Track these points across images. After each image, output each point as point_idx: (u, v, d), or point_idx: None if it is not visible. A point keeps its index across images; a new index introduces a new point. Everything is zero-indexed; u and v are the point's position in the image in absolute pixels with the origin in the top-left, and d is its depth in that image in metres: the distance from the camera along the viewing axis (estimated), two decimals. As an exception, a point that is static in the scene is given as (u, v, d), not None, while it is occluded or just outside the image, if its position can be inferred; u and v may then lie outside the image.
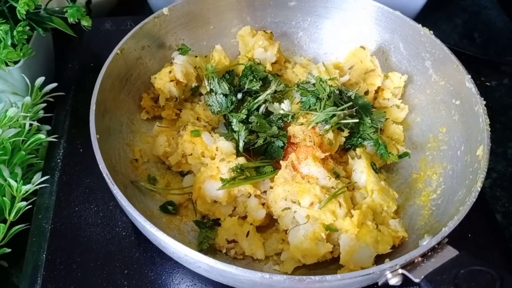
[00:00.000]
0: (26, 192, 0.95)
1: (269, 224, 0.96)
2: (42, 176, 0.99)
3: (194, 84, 1.10)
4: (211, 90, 1.06)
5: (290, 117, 1.00)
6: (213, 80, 1.06)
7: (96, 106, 0.92)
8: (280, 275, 0.71)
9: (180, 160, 1.00)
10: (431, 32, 1.09)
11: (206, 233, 0.91)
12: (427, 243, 0.76)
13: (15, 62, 1.02)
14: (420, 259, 0.76)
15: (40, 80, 1.07)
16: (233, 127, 1.01)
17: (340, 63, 1.20)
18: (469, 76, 1.00)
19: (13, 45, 1.00)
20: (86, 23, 1.06)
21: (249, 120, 1.01)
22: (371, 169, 0.96)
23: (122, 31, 1.22)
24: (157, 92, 1.08)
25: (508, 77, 1.33)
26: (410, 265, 0.75)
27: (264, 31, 1.16)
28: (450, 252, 0.76)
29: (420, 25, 1.10)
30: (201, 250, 0.88)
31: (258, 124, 0.99)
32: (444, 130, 1.04)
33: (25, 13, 0.96)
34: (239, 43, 1.19)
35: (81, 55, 1.21)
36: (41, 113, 1.08)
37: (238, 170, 0.91)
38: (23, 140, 1.01)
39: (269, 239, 0.94)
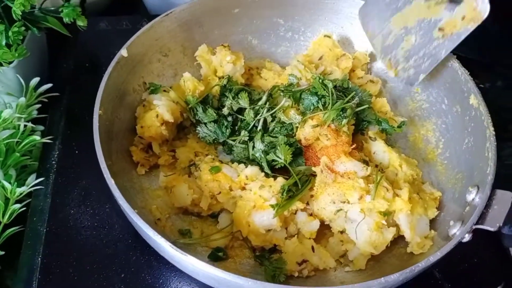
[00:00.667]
0: (20, 194, 0.94)
1: (318, 231, 0.93)
2: (36, 178, 0.98)
3: (180, 120, 1.04)
4: (198, 121, 1.03)
5: (298, 123, 0.99)
6: (198, 110, 1.02)
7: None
8: (393, 274, 0.74)
9: (210, 202, 0.95)
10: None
11: (273, 265, 0.88)
12: (483, 194, 0.82)
13: (9, 63, 1.01)
14: (484, 210, 0.81)
15: (35, 80, 1.06)
16: (247, 151, 0.99)
17: (308, 55, 1.18)
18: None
19: (8, 45, 0.98)
20: (81, 23, 1.05)
21: (254, 138, 0.99)
22: (388, 146, 1.00)
23: (118, 31, 1.22)
24: (146, 141, 1.01)
25: (502, 79, 1.34)
26: (479, 219, 0.80)
27: (222, 45, 1.12)
28: (505, 195, 0.82)
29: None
30: (280, 283, 0.86)
31: (271, 142, 0.97)
32: (419, 90, 1.10)
33: (20, 13, 0.95)
34: (202, 64, 1.12)
35: (76, 55, 1.20)
36: (35, 114, 1.06)
37: (285, 192, 0.89)
38: (17, 142, 0.99)
39: (327, 245, 0.93)
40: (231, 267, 0.90)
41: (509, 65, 1.35)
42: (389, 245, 0.89)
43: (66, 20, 1.03)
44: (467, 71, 0.98)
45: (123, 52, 0.99)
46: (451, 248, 0.78)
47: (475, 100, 0.95)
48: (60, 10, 1.03)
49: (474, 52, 1.33)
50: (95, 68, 1.16)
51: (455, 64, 1.01)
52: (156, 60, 1.09)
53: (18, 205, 0.94)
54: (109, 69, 0.96)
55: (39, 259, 0.89)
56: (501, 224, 0.79)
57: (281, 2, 1.18)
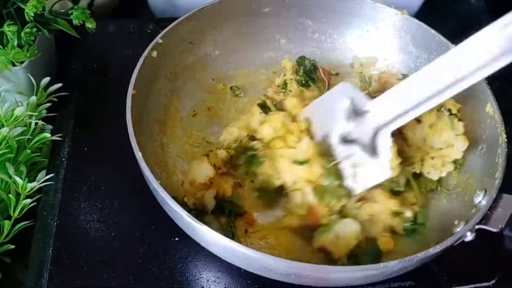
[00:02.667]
0: (31, 189, 0.97)
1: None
2: (46, 174, 1.01)
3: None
4: None
5: None
6: None
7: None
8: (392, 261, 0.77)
9: None
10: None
11: None
12: (489, 197, 0.86)
13: (21, 63, 1.04)
14: (488, 212, 0.84)
15: (46, 80, 1.09)
16: None
17: None
18: None
19: (19, 46, 1.02)
20: (90, 25, 1.08)
21: None
22: None
23: (125, 33, 1.26)
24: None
25: (499, 81, 1.37)
26: (483, 220, 0.83)
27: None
28: (510, 199, 0.85)
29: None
30: None
31: None
32: None
33: (33, 15, 0.98)
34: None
35: (84, 56, 1.23)
36: (45, 113, 1.09)
37: None
38: (28, 139, 1.03)
39: None
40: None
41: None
42: None
43: (75, 22, 1.06)
44: (485, 80, 0.99)
45: (158, 39, 1.04)
46: (451, 243, 0.81)
47: (491, 108, 0.97)
48: (69, 12, 1.07)
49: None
50: (103, 69, 1.19)
51: None
52: (188, 51, 1.14)
53: (29, 200, 0.96)
54: (145, 53, 1.00)
55: (50, 251, 0.91)
56: (503, 226, 0.82)
57: (310, 4, 1.21)
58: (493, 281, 0.94)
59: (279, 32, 1.25)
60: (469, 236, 0.82)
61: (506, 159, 0.90)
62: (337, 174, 0.95)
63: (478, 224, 0.83)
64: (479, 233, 0.83)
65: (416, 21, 1.15)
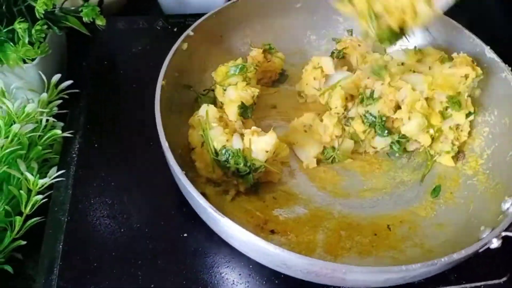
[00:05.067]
0: (42, 186, 0.97)
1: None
2: (57, 171, 1.01)
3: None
4: None
5: None
6: None
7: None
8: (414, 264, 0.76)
9: None
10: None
11: None
12: None
13: (32, 60, 1.05)
14: None
15: (57, 77, 1.10)
16: None
17: None
18: (488, 47, 1.06)
19: (30, 43, 1.03)
20: (100, 22, 1.09)
21: None
22: None
23: (135, 30, 1.27)
24: None
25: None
26: (510, 227, 0.82)
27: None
28: None
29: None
30: None
31: None
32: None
33: (43, 12, 0.99)
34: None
35: (95, 54, 1.23)
36: (56, 110, 1.10)
37: None
38: (39, 136, 1.03)
39: None
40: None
41: None
42: None
43: (85, 19, 1.07)
44: None
45: (189, 31, 1.06)
46: (476, 250, 0.79)
47: None
48: (80, 9, 1.07)
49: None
50: (113, 66, 1.20)
51: (509, 76, 1.02)
52: (218, 44, 1.15)
53: (40, 196, 0.97)
54: (176, 44, 1.02)
55: (60, 247, 0.92)
56: None
57: None
58: (504, 279, 0.93)
59: (310, 28, 1.25)
60: (495, 243, 0.81)
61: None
62: None
63: (505, 231, 0.81)
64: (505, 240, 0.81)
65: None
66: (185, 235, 0.95)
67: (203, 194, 0.87)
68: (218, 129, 0.96)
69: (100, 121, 1.08)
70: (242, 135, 0.96)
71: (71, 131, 1.07)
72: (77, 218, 0.96)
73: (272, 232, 0.94)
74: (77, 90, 1.13)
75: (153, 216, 0.97)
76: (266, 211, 0.98)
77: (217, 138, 0.95)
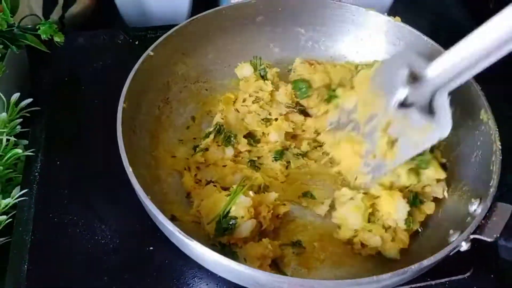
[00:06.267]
0: (6, 206, 0.97)
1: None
2: (21, 190, 1.01)
3: None
4: None
5: None
6: None
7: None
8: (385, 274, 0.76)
9: None
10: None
11: None
12: (484, 206, 0.85)
13: (-10, 80, 1.05)
14: (483, 221, 0.84)
15: (16, 96, 1.09)
16: None
17: None
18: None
19: (-13, 63, 1.02)
20: (58, 39, 1.08)
21: None
22: None
23: (96, 45, 1.26)
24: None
25: (493, 86, 1.37)
26: (478, 229, 0.83)
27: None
28: (505, 207, 0.84)
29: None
30: None
31: None
32: None
33: (-1, 32, 0.99)
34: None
35: (55, 70, 1.23)
36: (18, 128, 1.10)
37: None
38: (1, 156, 1.03)
39: None
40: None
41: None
42: None
43: (43, 36, 1.07)
44: (479, 86, 1.00)
45: (149, 52, 1.04)
46: (445, 254, 0.81)
47: (485, 114, 0.97)
48: (37, 27, 1.07)
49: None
50: (74, 82, 1.19)
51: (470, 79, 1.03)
52: (181, 62, 1.15)
53: (4, 217, 0.97)
54: (136, 66, 1.01)
55: (25, 266, 0.92)
56: (498, 235, 0.82)
57: (303, 13, 1.22)
58: (468, 274, 0.95)
59: (273, 41, 1.25)
60: (464, 246, 0.82)
61: (500, 167, 0.90)
62: None
63: (473, 233, 0.82)
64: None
65: (409, 28, 1.14)
66: (151, 248, 0.95)
67: (173, 217, 0.90)
68: (248, 200, 0.93)
69: (61, 139, 1.07)
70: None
71: (32, 150, 1.06)
72: (41, 237, 0.96)
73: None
74: (38, 108, 1.12)
75: (119, 231, 0.97)
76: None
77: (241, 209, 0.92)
